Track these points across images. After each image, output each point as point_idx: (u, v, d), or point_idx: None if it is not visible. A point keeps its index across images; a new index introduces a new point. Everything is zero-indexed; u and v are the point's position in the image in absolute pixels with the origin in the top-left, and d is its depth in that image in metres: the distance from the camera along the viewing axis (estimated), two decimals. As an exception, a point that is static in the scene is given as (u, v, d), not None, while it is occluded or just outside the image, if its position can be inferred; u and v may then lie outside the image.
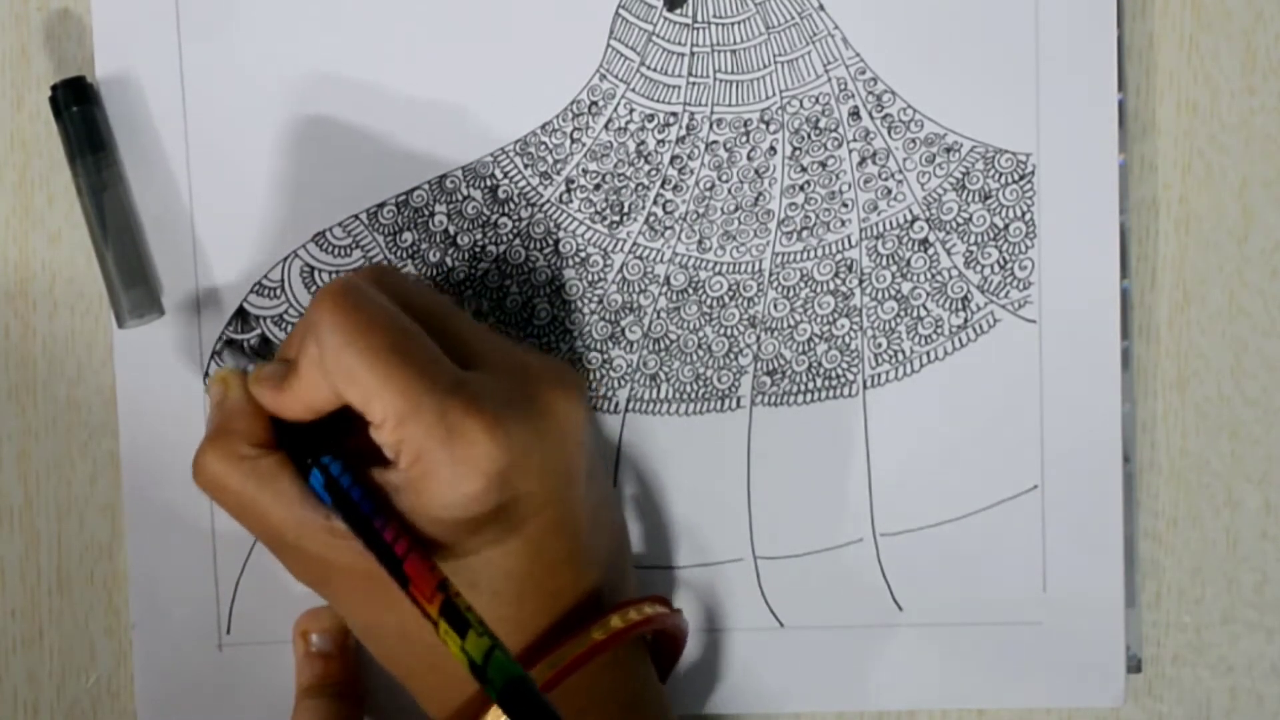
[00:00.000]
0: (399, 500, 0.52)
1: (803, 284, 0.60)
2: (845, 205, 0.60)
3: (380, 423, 0.51)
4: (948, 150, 0.60)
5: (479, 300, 0.60)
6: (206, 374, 0.60)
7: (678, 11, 0.60)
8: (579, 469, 0.54)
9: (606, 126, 0.60)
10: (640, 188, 0.60)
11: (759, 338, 0.60)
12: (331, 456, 0.53)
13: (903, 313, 0.60)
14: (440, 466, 0.50)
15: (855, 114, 0.60)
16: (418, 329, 0.52)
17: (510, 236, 0.60)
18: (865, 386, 0.60)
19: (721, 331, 0.60)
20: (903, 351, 0.60)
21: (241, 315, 0.60)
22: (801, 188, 0.60)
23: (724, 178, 0.60)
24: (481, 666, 0.48)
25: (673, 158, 0.60)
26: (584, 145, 0.60)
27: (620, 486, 0.60)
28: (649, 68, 0.60)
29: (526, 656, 0.52)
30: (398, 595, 0.50)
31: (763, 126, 0.60)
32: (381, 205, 0.60)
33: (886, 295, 0.60)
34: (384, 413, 0.51)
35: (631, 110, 0.60)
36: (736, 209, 0.60)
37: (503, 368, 0.53)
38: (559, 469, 0.53)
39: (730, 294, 0.60)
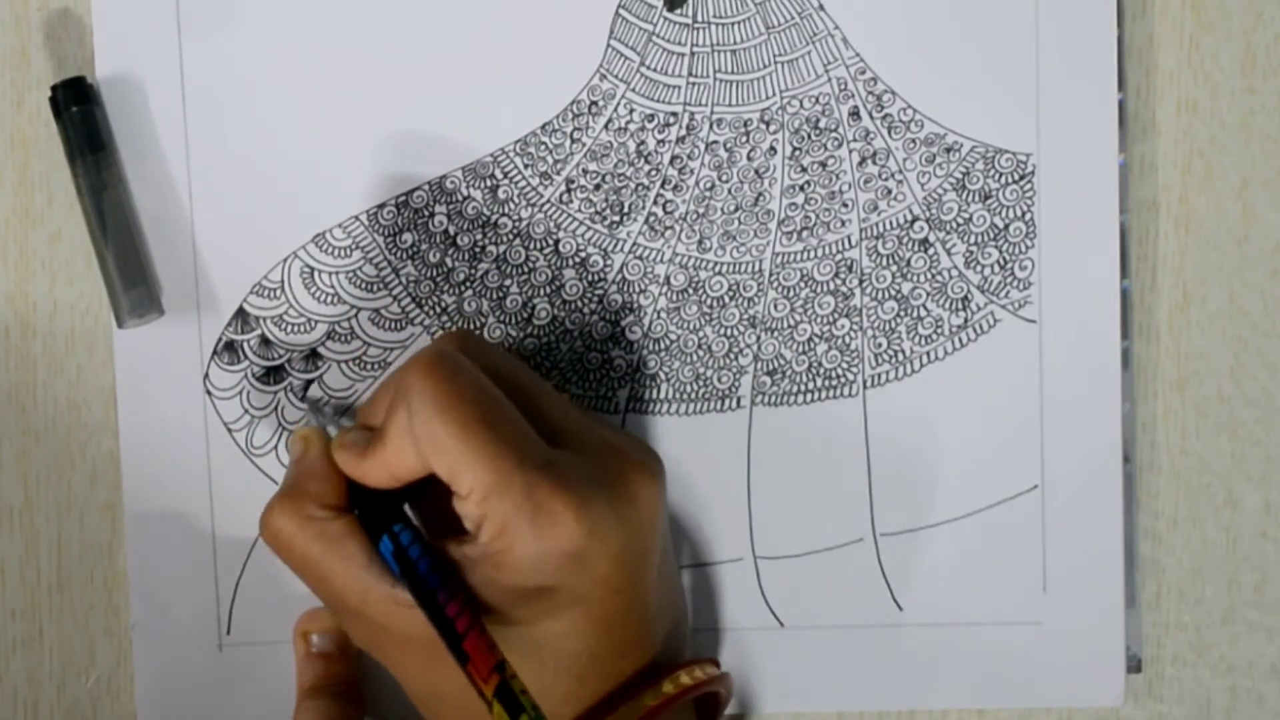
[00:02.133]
0: (475, 572, 0.52)
1: (803, 284, 0.60)
2: (845, 205, 0.60)
3: (466, 495, 0.51)
4: (948, 150, 0.60)
5: (479, 300, 0.60)
6: (206, 375, 0.60)
7: (678, 11, 0.60)
8: (654, 553, 0.54)
9: (606, 126, 0.60)
10: (640, 188, 0.60)
11: (759, 338, 0.60)
12: (403, 525, 0.53)
13: (903, 313, 0.60)
14: (523, 544, 0.51)
15: (855, 114, 0.60)
16: (508, 403, 0.52)
17: (510, 236, 0.60)
18: (865, 386, 0.60)
19: (721, 331, 0.60)
20: (903, 351, 0.60)
21: (241, 316, 0.60)
22: (801, 188, 0.60)
23: (724, 178, 0.60)
24: None
25: (673, 158, 0.60)
26: (584, 145, 0.60)
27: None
28: (649, 68, 0.60)
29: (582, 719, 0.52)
30: (457, 667, 0.50)
31: (763, 126, 0.60)
32: (381, 205, 0.60)
33: (886, 295, 0.60)
34: (471, 486, 0.51)
35: (631, 110, 0.60)
36: (736, 209, 0.60)
37: (589, 447, 0.54)
38: (636, 554, 0.53)
39: (730, 294, 0.60)
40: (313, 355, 0.60)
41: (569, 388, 0.60)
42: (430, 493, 0.53)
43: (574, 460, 0.52)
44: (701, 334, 0.60)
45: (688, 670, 0.54)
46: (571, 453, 0.53)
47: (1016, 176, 0.59)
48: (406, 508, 0.55)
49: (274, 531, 0.54)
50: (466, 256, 0.60)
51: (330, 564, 0.53)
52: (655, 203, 0.60)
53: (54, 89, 0.59)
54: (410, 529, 0.53)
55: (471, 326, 0.60)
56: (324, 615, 0.59)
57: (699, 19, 0.60)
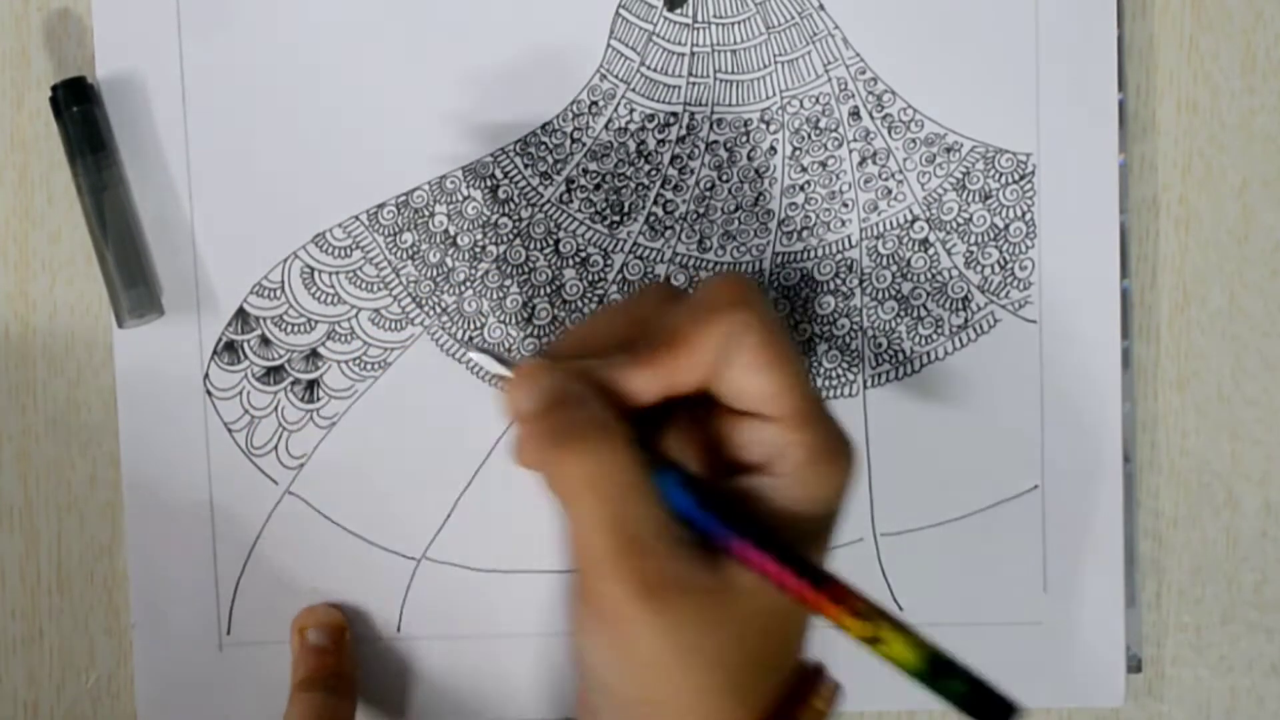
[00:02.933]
0: (771, 502, 0.50)
1: (803, 284, 0.60)
2: (845, 205, 0.60)
3: (778, 419, 0.49)
4: (948, 150, 0.60)
5: (479, 300, 0.60)
6: (206, 375, 0.60)
7: (678, 11, 0.60)
8: None
9: (607, 126, 0.60)
10: (640, 188, 0.60)
11: (759, 338, 0.60)
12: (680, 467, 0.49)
13: (903, 313, 0.60)
14: (830, 472, 0.50)
15: (855, 114, 0.60)
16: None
17: (510, 236, 0.60)
18: (865, 386, 0.60)
19: (722, 331, 0.60)
20: (903, 351, 0.60)
21: (241, 316, 0.60)
22: (802, 188, 0.60)
23: (724, 178, 0.60)
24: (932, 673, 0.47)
25: (673, 158, 0.60)
26: (584, 145, 0.60)
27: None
28: (649, 68, 0.60)
29: None
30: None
31: (763, 126, 0.60)
32: (381, 205, 0.60)
33: (886, 295, 0.60)
34: (793, 410, 0.49)
35: (631, 110, 0.60)
36: (737, 209, 0.60)
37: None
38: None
39: (730, 294, 0.60)
40: (313, 355, 0.60)
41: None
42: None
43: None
44: (701, 334, 0.60)
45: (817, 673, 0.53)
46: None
47: (1016, 176, 0.59)
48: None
49: (586, 473, 0.48)
50: (466, 256, 0.60)
51: (634, 500, 0.48)
52: (655, 202, 0.60)
53: (54, 89, 0.59)
54: (681, 470, 0.49)
55: (471, 326, 0.60)
56: (321, 611, 0.59)
57: (699, 19, 0.60)
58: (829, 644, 0.61)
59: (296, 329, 0.60)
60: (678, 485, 0.48)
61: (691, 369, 0.50)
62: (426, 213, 0.60)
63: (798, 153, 0.60)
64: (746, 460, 0.50)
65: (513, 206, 0.60)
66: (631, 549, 0.47)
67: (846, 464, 0.50)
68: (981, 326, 0.60)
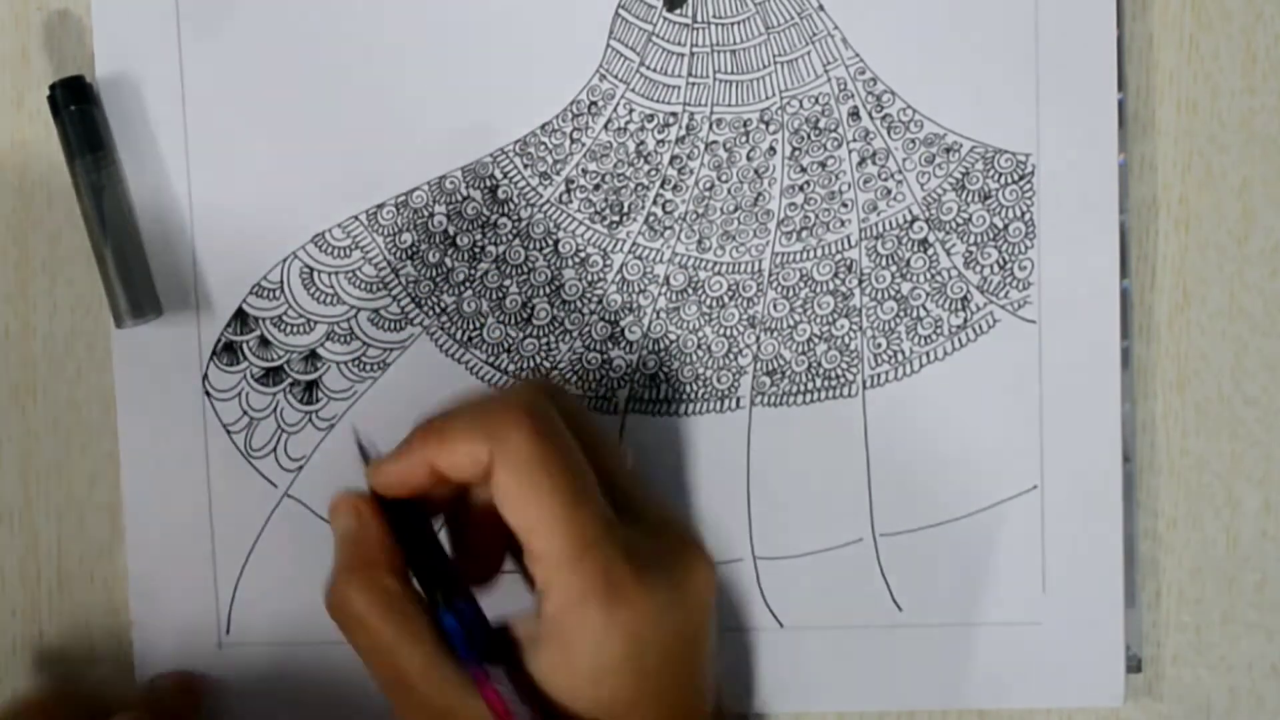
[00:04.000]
0: (538, 653, 0.51)
1: (802, 284, 0.60)
2: (845, 205, 0.60)
3: (540, 557, 0.50)
4: (947, 150, 0.60)
5: (479, 300, 0.60)
6: (205, 376, 0.60)
7: (677, 12, 0.60)
8: (707, 633, 0.54)
9: (606, 126, 0.60)
10: (640, 188, 0.60)
11: (759, 338, 0.60)
12: (463, 599, 0.52)
13: (902, 313, 0.60)
14: (592, 621, 0.50)
15: (855, 114, 0.60)
16: (591, 474, 0.52)
17: (510, 236, 0.60)
18: (865, 387, 0.60)
19: (721, 332, 0.60)
20: (902, 351, 0.60)
21: (241, 316, 0.60)
22: (801, 188, 0.60)
23: (724, 178, 0.60)
24: None
25: (672, 158, 0.60)
26: (584, 145, 0.60)
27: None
28: (649, 68, 0.60)
29: None
30: None
31: (762, 126, 0.60)
32: (381, 205, 0.60)
33: (886, 295, 0.60)
34: (547, 550, 0.50)
35: (631, 110, 0.60)
36: (736, 209, 0.60)
37: (650, 522, 0.53)
38: (691, 634, 0.52)
39: (730, 294, 0.60)
40: (312, 356, 0.60)
41: (568, 388, 0.60)
42: (470, 513, 0.53)
43: (642, 539, 0.52)
44: (701, 334, 0.60)
45: None
46: (634, 525, 0.52)
47: (1016, 176, 0.59)
48: (442, 534, 0.54)
49: (349, 610, 0.52)
50: (466, 256, 0.60)
51: (400, 643, 0.51)
52: (655, 203, 0.60)
53: (52, 88, 0.59)
54: (471, 603, 0.52)
55: (471, 327, 0.60)
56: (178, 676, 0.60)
57: (699, 19, 0.60)
58: (830, 643, 0.61)
59: (296, 329, 0.60)
60: (453, 621, 0.51)
61: (448, 469, 0.52)
62: (426, 213, 0.60)
63: (797, 153, 0.60)
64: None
65: (512, 207, 0.60)
66: (398, 683, 0.51)
67: (616, 611, 0.50)
68: (981, 327, 0.60)
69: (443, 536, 0.55)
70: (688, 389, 0.60)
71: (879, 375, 0.60)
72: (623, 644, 0.50)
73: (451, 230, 0.60)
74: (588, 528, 0.50)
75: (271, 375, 0.60)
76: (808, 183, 0.60)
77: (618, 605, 0.50)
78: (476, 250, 0.60)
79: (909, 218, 0.60)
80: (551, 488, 0.50)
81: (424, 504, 0.53)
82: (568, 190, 0.60)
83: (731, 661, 0.61)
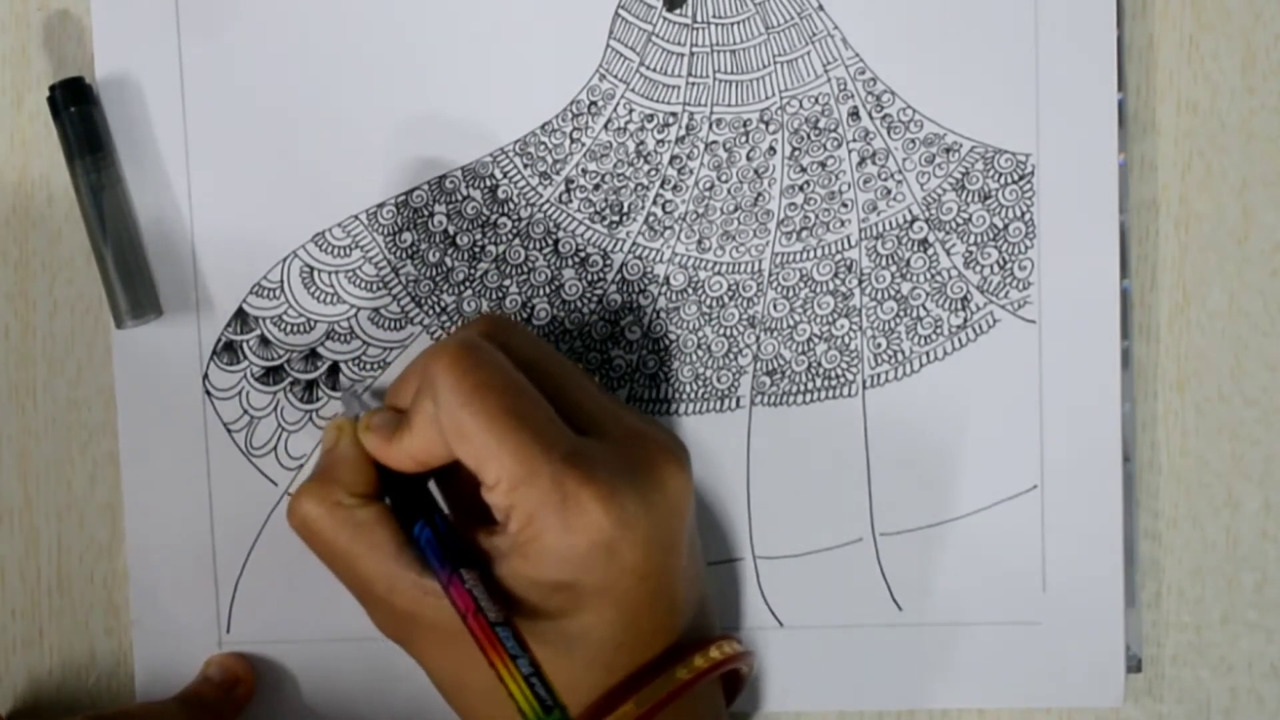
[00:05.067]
0: (503, 564, 0.52)
1: (802, 284, 0.60)
2: (845, 205, 0.60)
3: (494, 485, 0.51)
4: (947, 150, 0.60)
5: (478, 300, 0.60)
6: (206, 375, 0.60)
7: (677, 12, 0.60)
8: (681, 541, 0.54)
9: (606, 126, 0.60)
10: (640, 188, 0.60)
11: (758, 338, 0.60)
12: (435, 513, 0.53)
13: (902, 313, 0.60)
14: (550, 534, 0.51)
15: (855, 114, 0.60)
16: (534, 392, 0.52)
17: (510, 236, 0.60)
18: (865, 386, 0.60)
19: (721, 331, 0.60)
20: (902, 351, 0.60)
21: (241, 316, 0.60)
22: (801, 188, 0.60)
23: (723, 178, 0.60)
24: None
25: (672, 158, 0.60)
26: (584, 145, 0.60)
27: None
28: (648, 68, 0.60)
29: (612, 696, 0.52)
30: (483, 658, 0.50)
31: (762, 126, 0.60)
32: (381, 205, 0.60)
33: (886, 295, 0.60)
34: (498, 476, 0.51)
35: (631, 110, 0.60)
36: (736, 209, 0.60)
37: (616, 434, 0.54)
38: (663, 541, 0.53)
39: (730, 294, 0.60)
40: (312, 355, 0.60)
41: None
42: (461, 476, 0.53)
43: (602, 448, 0.52)
44: (701, 334, 0.60)
45: (717, 645, 0.54)
46: (599, 440, 0.53)
47: (1016, 176, 0.59)
48: (435, 490, 0.55)
49: (302, 517, 0.54)
50: (466, 256, 0.60)
51: (358, 551, 0.53)
52: (655, 203, 0.60)
53: (52, 89, 0.59)
54: (441, 518, 0.53)
55: (471, 326, 0.60)
56: (231, 659, 0.60)
57: (698, 19, 0.60)
58: (830, 643, 0.61)
59: (296, 329, 0.60)
60: (427, 531, 0.53)
61: (409, 451, 0.53)
62: (426, 212, 0.60)
63: (797, 153, 0.60)
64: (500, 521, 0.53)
65: (512, 206, 0.60)
66: (361, 589, 0.54)
67: (573, 520, 0.51)
68: (981, 326, 0.60)
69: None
70: (688, 389, 0.60)
71: (879, 375, 0.60)
72: (584, 553, 0.51)
73: (451, 230, 0.60)
74: (532, 447, 0.51)
75: (272, 374, 0.60)
76: (808, 183, 0.60)
77: (575, 515, 0.51)
78: (476, 250, 0.60)
79: (909, 218, 0.60)
80: (489, 415, 0.51)
81: None
82: (568, 190, 0.60)
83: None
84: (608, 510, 0.51)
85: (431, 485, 0.56)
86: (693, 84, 0.60)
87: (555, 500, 0.50)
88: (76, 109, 0.59)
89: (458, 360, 0.52)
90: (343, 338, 0.60)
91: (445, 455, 0.53)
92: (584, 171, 0.60)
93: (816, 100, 0.60)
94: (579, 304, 0.60)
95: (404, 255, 0.60)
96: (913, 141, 0.60)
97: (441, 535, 0.52)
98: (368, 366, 0.60)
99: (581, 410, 0.54)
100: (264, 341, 0.60)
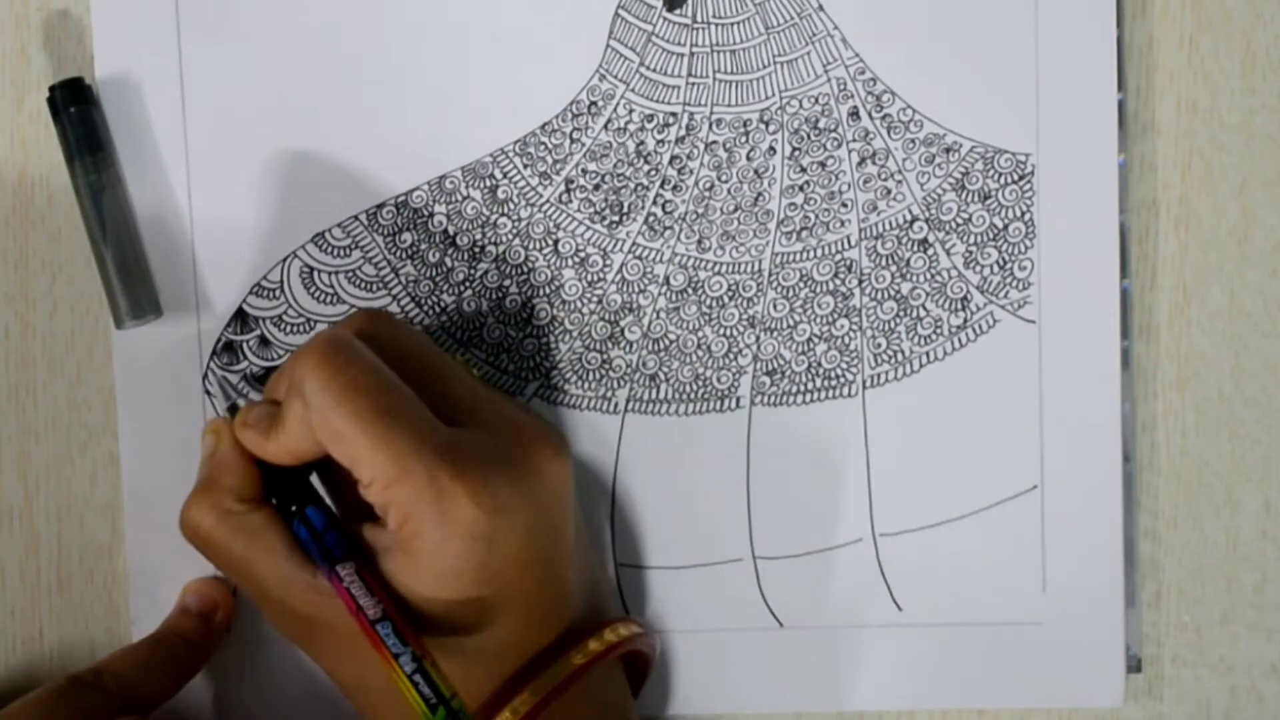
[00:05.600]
0: (388, 560, 0.52)
1: (802, 284, 0.60)
2: (845, 205, 0.60)
3: (369, 484, 0.51)
4: (947, 150, 0.60)
5: (478, 300, 0.60)
6: (206, 375, 0.60)
7: (677, 12, 0.60)
8: (567, 526, 0.54)
9: (606, 127, 0.60)
10: (640, 188, 0.60)
11: (758, 338, 0.60)
12: (316, 507, 0.54)
13: (902, 313, 0.60)
14: (429, 529, 0.51)
15: (855, 114, 0.60)
16: (405, 388, 0.52)
17: (510, 236, 0.60)
18: (865, 386, 0.60)
19: (721, 331, 0.60)
20: (902, 352, 0.60)
21: (241, 316, 0.60)
22: (801, 188, 0.60)
23: (723, 178, 0.60)
24: None
25: (672, 158, 0.60)
26: (583, 145, 0.60)
27: (620, 487, 0.60)
28: (648, 68, 0.60)
29: (507, 686, 0.52)
30: (379, 656, 0.51)
31: (762, 127, 0.60)
32: (381, 205, 0.60)
33: (886, 295, 0.60)
34: (372, 475, 0.51)
35: (631, 110, 0.60)
36: (736, 209, 0.60)
37: (491, 425, 0.54)
38: (545, 529, 0.53)
39: (730, 294, 0.60)
40: (312, 355, 0.60)
41: (568, 388, 0.60)
42: (342, 470, 0.53)
43: (475, 440, 0.52)
44: (701, 334, 0.60)
45: (612, 628, 0.54)
46: (474, 432, 0.53)
47: (1016, 176, 0.59)
48: (317, 482, 0.55)
49: (193, 528, 0.54)
50: (466, 256, 0.60)
51: (251, 556, 0.53)
52: (655, 203, 0.60)
53: (52, 90, 0.59)
54: (324, 512, 0.54)
55: (471, 327, 0.60)
56: (208, 583, 0.60)
57: (698, 19, 0.60)
58: (830, 643, 0.61)
59: (296, 329, 0.60)
60: (312, 522, 0.53)
61: (284, 447, 0.53)
62: (426, 213, 0.60)
63: (797, 153, 0.60)
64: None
65: (512, 207, 0.60)
66: (260, 595, 0.54)
67: (449, 513, 0.51)
68: (981, 326, 0.60)
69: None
70: (688, 389, 0.60)
71: (879, 375, 0.60)
72: (462, 546, 0.51)
73: (451, 230, 0.60)
74: (403, 444, 0.51)
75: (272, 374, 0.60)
76: (808, 183, 0.60)
77: (450, 508, 0.51)
78: (476, 250, 0.60)
79: (909, 218, 0.60)
80: (357, 413, 0.51)
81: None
82: (568, 190, 0.60)
83: (732, 661, 0.60)
84: (481, 502, 0.51)
85: (315, 480, 0.56)
86: (693, 84, 0.60)
87: (430, 495, 0.51)
88: (76, 109, 0.59)
89: (325, 360, 0.51)
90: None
91: (319, 451, 0.53)
92: (584, 171, 0.60)
93: (816, 100, 0.60)
94: (579, 304, 0.60)
95: (404, 255, 0.60)
96: (913, 141, 0.60)
97: (317, 531, 0.53)
98: (368, 366, 0.60)
99: (459, 402, 0.54)
100: (264, 341, 0.60)
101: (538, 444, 0.54)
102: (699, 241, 0.60)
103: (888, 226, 0.60)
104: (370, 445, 0.51)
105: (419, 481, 0.51)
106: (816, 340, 0.60)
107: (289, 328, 0.60)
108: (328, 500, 0.55)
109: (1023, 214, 0.60)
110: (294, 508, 0.54)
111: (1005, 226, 0.60)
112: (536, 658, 0.53)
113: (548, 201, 0.60)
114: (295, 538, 0.53)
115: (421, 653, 0.50)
